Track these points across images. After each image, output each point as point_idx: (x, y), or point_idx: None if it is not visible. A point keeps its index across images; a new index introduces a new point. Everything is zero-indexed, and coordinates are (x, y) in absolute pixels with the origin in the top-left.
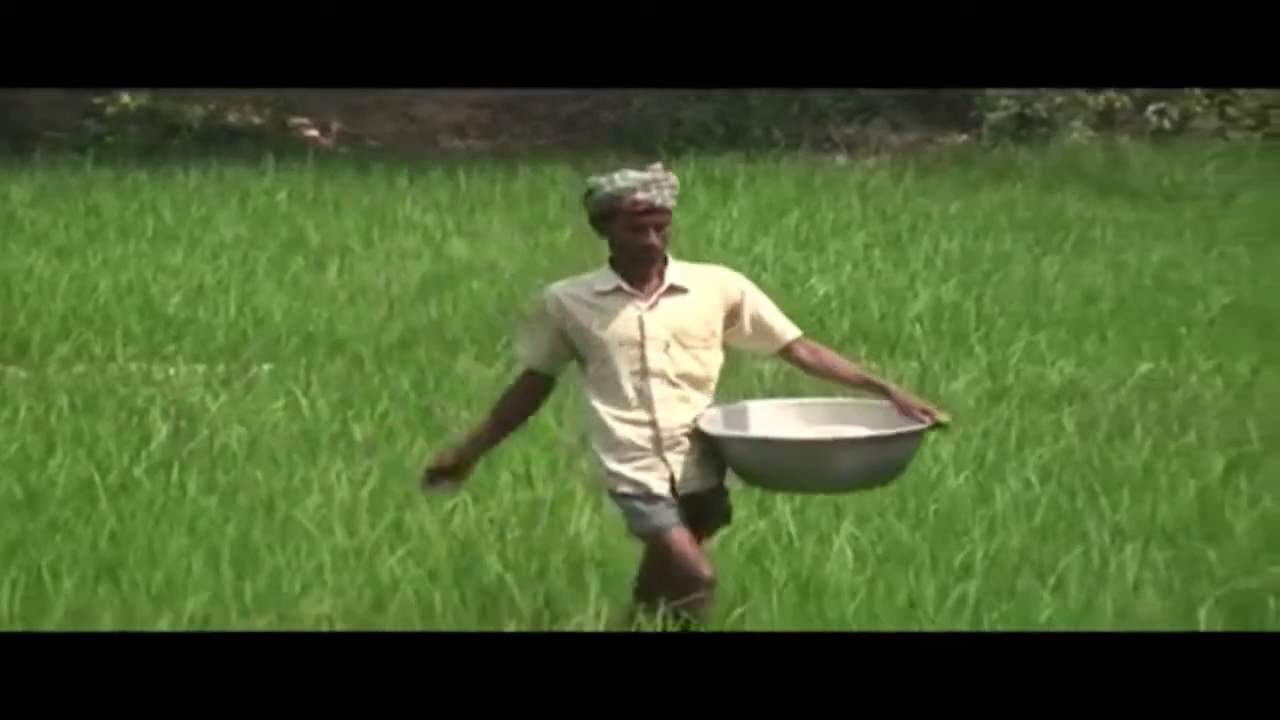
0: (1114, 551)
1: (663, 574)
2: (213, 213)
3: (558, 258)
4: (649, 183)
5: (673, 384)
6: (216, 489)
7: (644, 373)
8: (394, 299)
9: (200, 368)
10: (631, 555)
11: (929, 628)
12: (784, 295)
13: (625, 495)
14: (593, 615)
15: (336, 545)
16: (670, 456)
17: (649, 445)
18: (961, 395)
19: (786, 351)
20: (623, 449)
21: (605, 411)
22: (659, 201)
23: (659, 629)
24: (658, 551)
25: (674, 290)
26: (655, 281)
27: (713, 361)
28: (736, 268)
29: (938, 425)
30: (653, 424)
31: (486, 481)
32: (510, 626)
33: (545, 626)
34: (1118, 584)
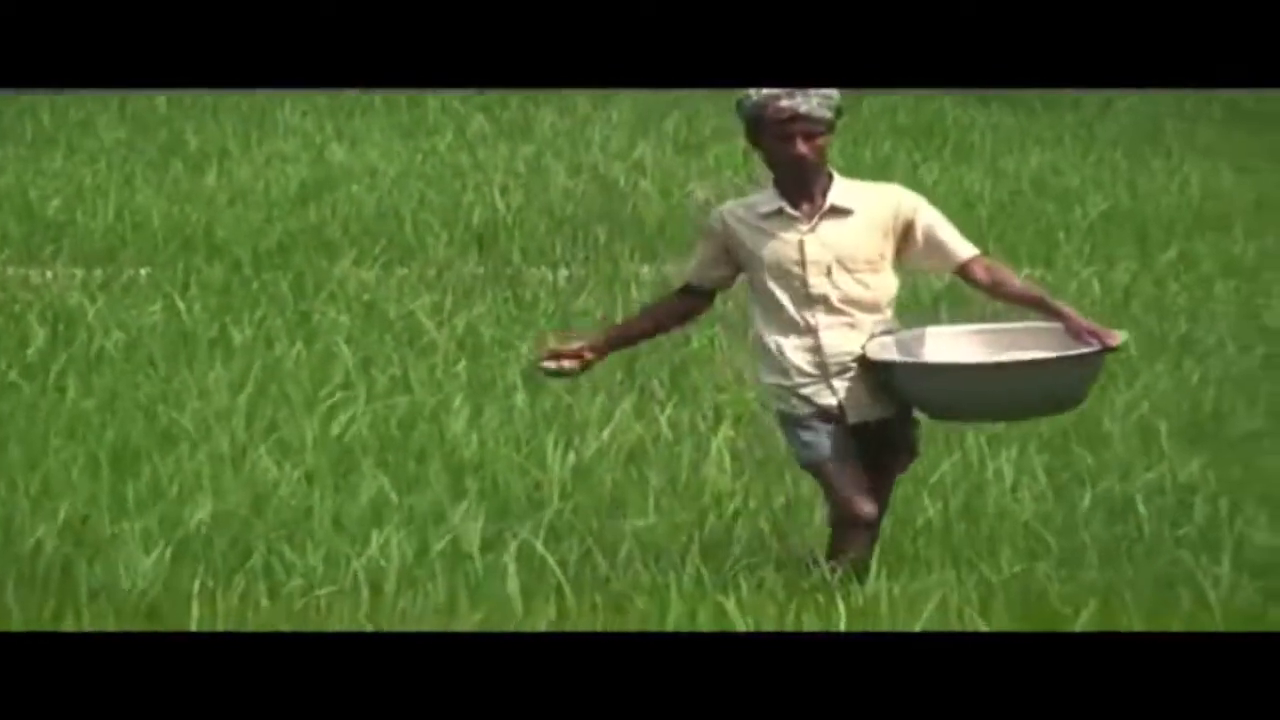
0: (991, 457)
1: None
2: (92, 116)
3: (439, 161)
4: (794, 90)
5: (836, 310)
6: (95, 393)
7: (806, 298)
8: (273, 203)
9: (78, 271)
10: (508, 460)
11: (809, 533)
12: (663, 200)
13: (789, 420)
14: (468, 517)
15: (215, 449)
16: (837, 383)
17: (815, 370)
18: None
19: (962, 271)
20: (788, 374)
21: (771, 336)
22: (804, 109)
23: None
24: (820, 484)
25: (836, 211)
26: (817, 202)
27: (881, 285)
28: (615, 173)
29: (1110, 349)
30: (817, 349)
31: (364, 385)
32: (388, 533)
33: (427, 532)
34: (996, 487)
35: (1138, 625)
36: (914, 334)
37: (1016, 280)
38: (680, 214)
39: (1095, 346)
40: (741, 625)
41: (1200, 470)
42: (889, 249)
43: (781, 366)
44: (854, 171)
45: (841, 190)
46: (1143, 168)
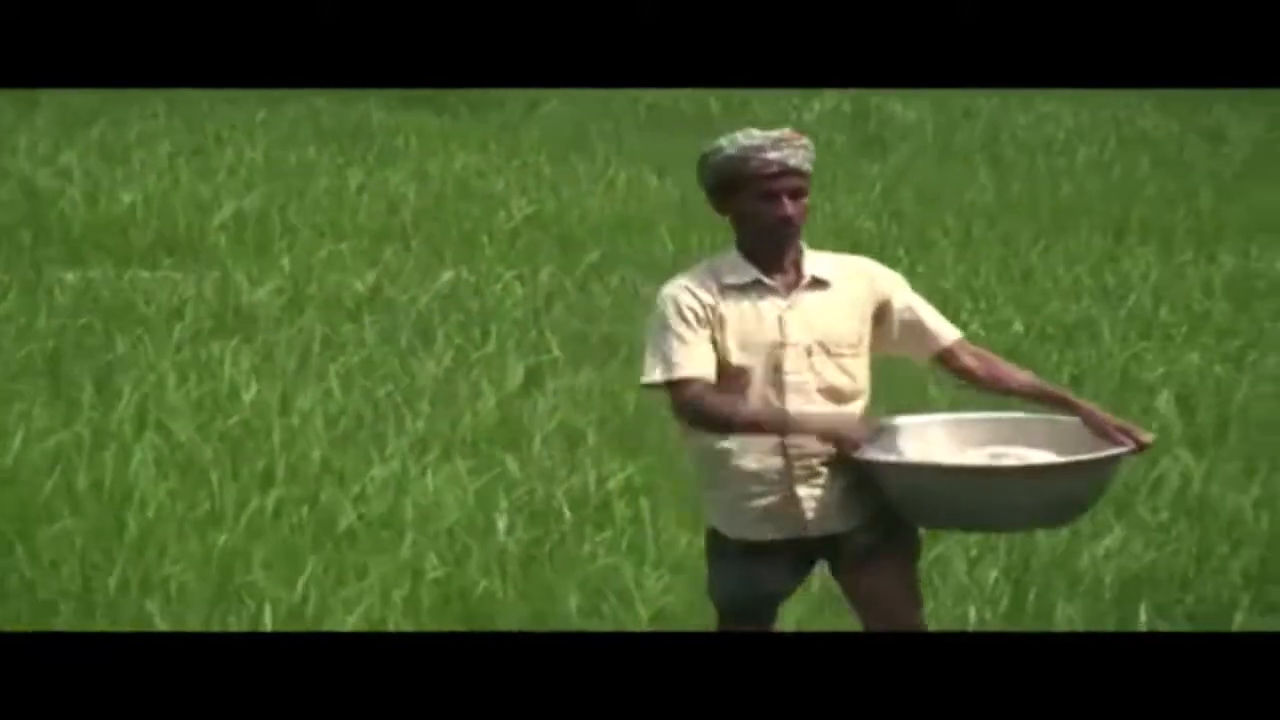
0: (413, 460)
1: None
2: None
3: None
4: (779, 141)
5: (812, 400)
6: None
7: (780, 386)
8: None
9: None
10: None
11: (226, 535)
12: (88, 207)
13: (721, 544)
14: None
15: None
16: (803, 490)
17: (777, 477)
18: (264, 305)
19: (946, 357)
20: (741, 483)
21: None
22: (793, 161)
23: None
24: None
25: (816, 284)
26: (792, 273)
27: (860, 372)
28: (38, 181)
29: (1141, 448)
30: (783, 449)
31: None
32: None
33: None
34: (418, 490)
35: (569, 626)
36: (890, 424)
37: (1014, 368)
38: (106, 218)
39: (1128, 446)
40: (162, 625)
41: (624, 474)
42: (867, 331)
43: (736, 474)
44: (278, 175)
45: (815, 260)
46: (568, 171)
